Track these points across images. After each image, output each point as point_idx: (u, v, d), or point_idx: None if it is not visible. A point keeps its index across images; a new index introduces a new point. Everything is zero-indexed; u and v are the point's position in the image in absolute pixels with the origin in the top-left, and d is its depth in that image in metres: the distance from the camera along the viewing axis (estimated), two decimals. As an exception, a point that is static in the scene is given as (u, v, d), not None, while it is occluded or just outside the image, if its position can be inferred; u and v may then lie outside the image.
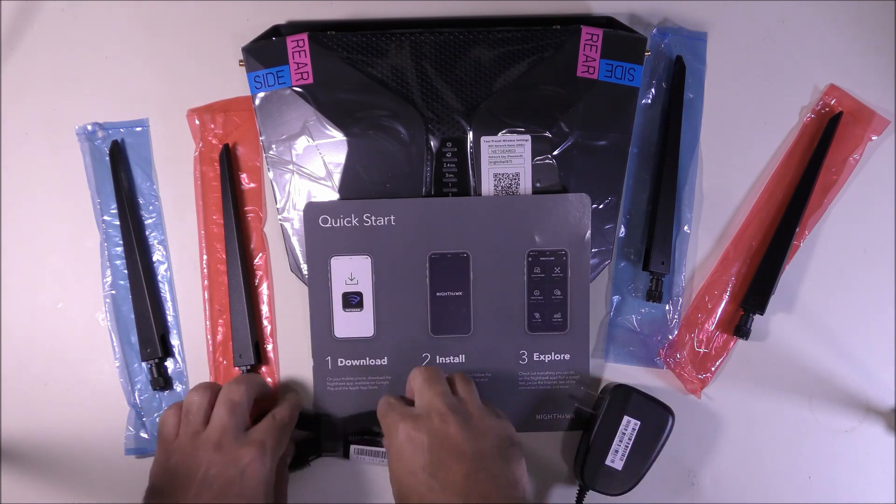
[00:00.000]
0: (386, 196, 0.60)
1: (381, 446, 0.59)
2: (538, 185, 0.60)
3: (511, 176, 0.60)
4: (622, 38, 0.59)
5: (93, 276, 0.63)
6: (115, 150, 0.62)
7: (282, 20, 0.62)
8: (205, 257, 0.63)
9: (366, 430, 0.60)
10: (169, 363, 0.63)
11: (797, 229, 0.62)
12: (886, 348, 0.64)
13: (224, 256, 0.62)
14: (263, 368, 0.63)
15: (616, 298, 0.63)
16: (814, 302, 0.64)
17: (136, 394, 0.63)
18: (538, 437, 0.62)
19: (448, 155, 0.60)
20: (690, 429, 0.63)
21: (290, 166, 0.60)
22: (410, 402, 0.53)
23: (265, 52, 0.59)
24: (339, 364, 0.60)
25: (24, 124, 0.63)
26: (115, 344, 0.63)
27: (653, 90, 0.63)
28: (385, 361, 0.60)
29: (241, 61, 0.59)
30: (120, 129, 0.63)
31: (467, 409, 0.51)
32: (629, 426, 0.58)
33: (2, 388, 0.63)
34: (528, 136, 0.60)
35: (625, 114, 0.60)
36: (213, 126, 0.63)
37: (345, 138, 0.59)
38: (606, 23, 0.61)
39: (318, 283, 0.60)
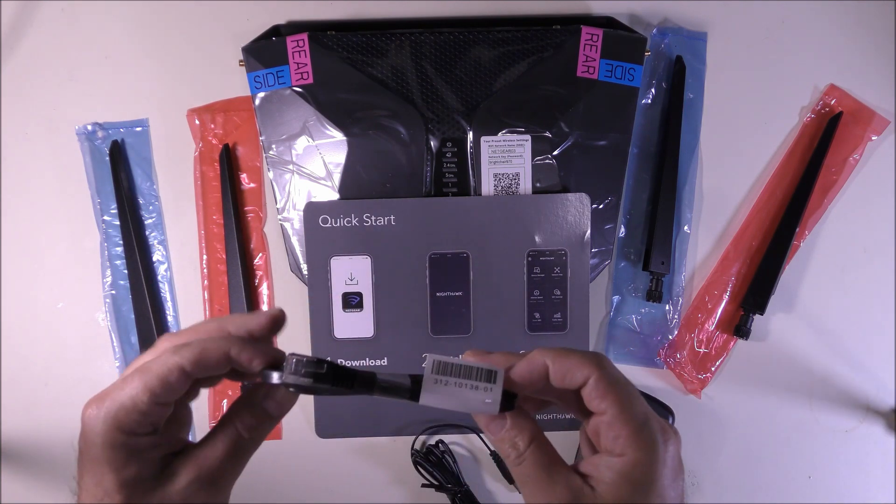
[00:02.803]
0: (386, 196, 0.60)
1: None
2: (538, 185, 0.60)
3: (511, 176, 0.60)
4: (622, 38, 0.59)
5: (93, 276, 0.63)
6: (115, 150, 0.62)
7: (282, 20, 0.62)
8: (205, 257, 0.63)
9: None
10: (169, 363, 0.63)
11: (797, 229, 0.62)
12: (886, 348, 0.64)
13: (224, 256, 0.62)
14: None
15: (616, 298, 0.63)
16: (814, 302, 0.64)
17: (136, 394, 0.62)
18: (538, 437, 0.62)
19: (448, 155, 0.60)
20: (690, 429, 0.63)
21: (290, 166, 0.60)
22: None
23: (265, 52, 0.59)
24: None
25: (24, 124, 0.63)
26: (115, 344, 0.63)
27: (653, 90, 0.63)
28: (385, 362, 0.60)
29: (241, 61, 0.59)
30: (120, 129, 0.63)
31: None
32: (629, 426, 0.58)
33: (2, 388, 0.63)
34: (528, 136, 0.60)
35: (625, 114, 0.60)
36: (213, 126, 0.63)
37: (345, 138, 0.59)
38: (606, 23, 0.61)
39: (318, 284, 0.60)
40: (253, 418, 0.33)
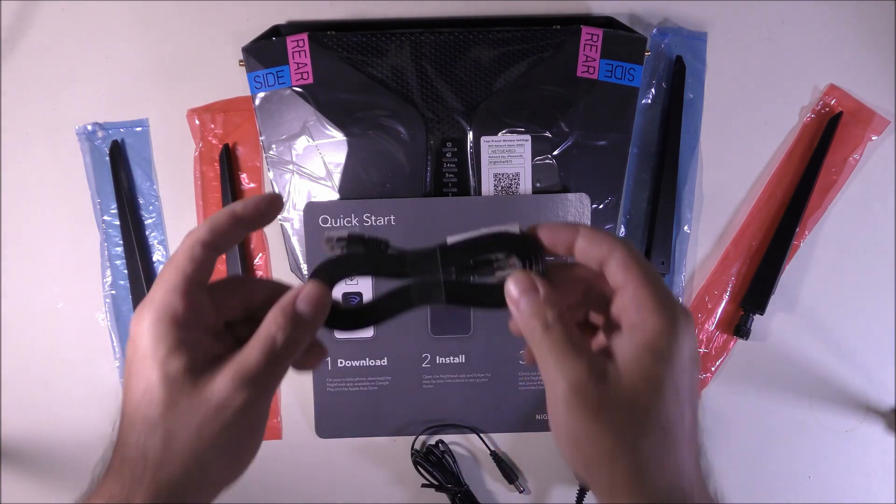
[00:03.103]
0: (386, 196, 0.60)
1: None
2: (538, 185, 0.60)
3: (511, 176, 0.60)
4: (622, 38, 0.59)
5: (93, 276, 0.63)
6: (115, 150, 0.62)
7: (282, 20, 0.62)
8: (205, 257, 0.63)
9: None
10: (169, 363, 0.63)
11: (797, 229, 0.62)
12: (886, 348, 0.64)
13: (224, 256, 0.62)
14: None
15: (616, 298, 0.63)
16: (814, 302, 0.64)
17: (136, 394, 0.62)
18: (538, 437, 0.62)
19: (448, 155, 0.60)
20: (690, 429, 0.63)
21: (290, 166, 0.60)
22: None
23: (265, 52, 0.59)
24: (339, 365, 0.60)
25: (24, 124, 0.63)
26: (115, 344, 0.63)
27: (653, 90, 0.63)
28: (385, 362, 0.60)
29: (241, 61, 0.59)
30: (120, 129, 0.63)
31: None
32: (629, 426, 0.58)
33: (2, 388, 0.63)
34: (528, 136, 0.60)
35: (625, 114, 0.60)
36: (213, 126, 0.63)
37: (345, 138, 0.59)
38: (606, 23, 0.61)
39: (318, 283, 0.60)
40: (285, 319, 0.33)
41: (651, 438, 0.31)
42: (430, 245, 0.34)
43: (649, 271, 0.32)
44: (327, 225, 0.59)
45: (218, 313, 0.34)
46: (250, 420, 0.33)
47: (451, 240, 0.34)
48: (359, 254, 0.34)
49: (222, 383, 0.32)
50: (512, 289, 0.33)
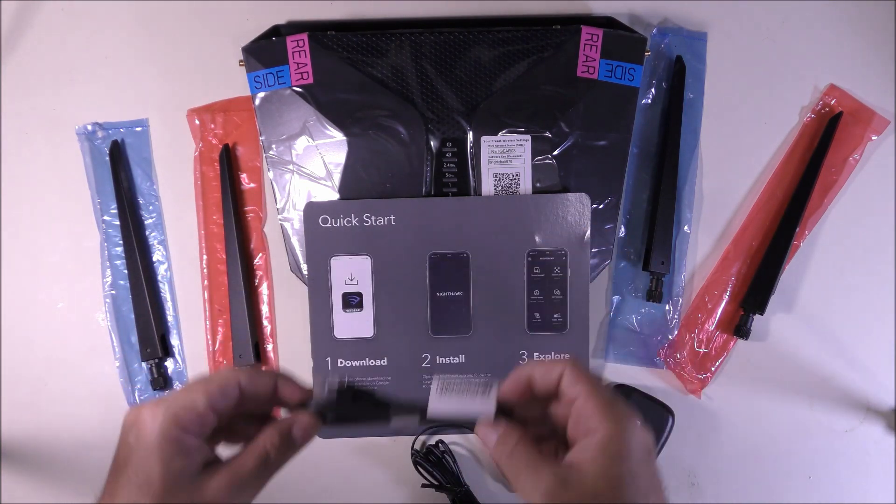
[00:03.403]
0: (386, 196, 0.60)
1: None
2: (538, 185, 0.60)
3: (511, 176, 0.60)
4: (622, 38, 0.59)
5: (93, 276, 0.63)
6: (115, 150, 0.62)
7: (282, 20, 0.62)
8: (205, 257, 0.63)
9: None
10: (169, 363, 0.63)
11: (797, 229, 0.62)
12: (886, 348, 0.64)
13: (224, 256, 0.62)
14: (263, 368, 0.63)
15: (616, 298, 0.63)
16: (814, 302, 0.64)
17: (136, 394, 0.63)
18: (538, 437, 0.62)
19: (448, 155, 0.60)
20: (690, 429, 0.63)
21: (290, 166, 0.60)
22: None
23: (265, 52, 0.59)
24: (339, 365, 0.60)
25: (24, 124, 0.63)
26: (115, 344, 0.63)
27: (653, 90, 0.63)
28: (385, 362, 0.60)
29: (241, 61, 0.59)
30: (120, 129, 0.63)
31: None
32: (629, 426, 0.58)
33: (2, 388, 0.63)
34: (528, 136, 0.60)
35: (625, 114, 0.60)
36: (213, 126, 0.63)
37: (345, 138, 0.59)
38: (606, 23, 0.61)
39: (318, 284, 0.60)
40: (280, 441, 0.38)
41: None
42: (414, 400, 0.40)
43: (595, 382, 0.37)
44: (327, 225, 0.59)
45: (215, 426, 0.38)
46: None
47: (431, 410, 0.40)
48: (349, 404, 0.41)
49: (218, 485, 0.36)
50: (479, 432, 0.39)
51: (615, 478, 0.34)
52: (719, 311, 0.64)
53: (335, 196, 0.60)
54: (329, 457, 0.63)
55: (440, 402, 0.40)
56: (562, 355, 0.60)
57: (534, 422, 0.40)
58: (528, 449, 0.37)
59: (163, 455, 0.35)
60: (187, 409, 0.36)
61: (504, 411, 0.40)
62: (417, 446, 0.62)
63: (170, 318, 0.63)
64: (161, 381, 0.61)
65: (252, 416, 0.41)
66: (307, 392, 0.41)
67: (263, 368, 0.43)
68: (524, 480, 0.36)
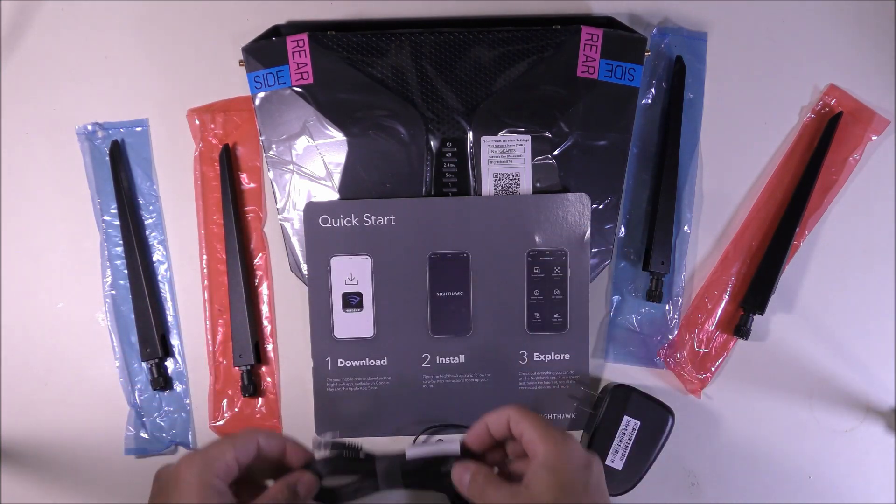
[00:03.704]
0: (386, 196, 0.60)
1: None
2: (538, 185, 0.60)
3: (511, 176, 0.60)
4: (622, 38, 0.59)
5: (93, 276, 0.63)
6: (115, 150, 0.62)
7: (282, 20, 0.62)
8: (205, 257, 0.63)
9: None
10: (169, 363, 0.63)
11: (797, 229, 0.62)
12: (886, 348, 0.64)
13: (224, 256, 0.62)
14: (263, 368, 0.63)
15: (616, 298, 0.63)
16: (814, 302, 0.64)
17: (136, 394, 0.63)
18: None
19: (448, 155, 0.60)
20: (690, 429, 0.63)
21: (290, 166, 0.60)
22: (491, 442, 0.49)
23: (265, 52, 0.59)
24: (339, 365, 0.60)
25: (24, 124, 0.63)
26: (115, 344, 0.63)
27: (653, 90, 0.63)
28: (385, 362, 0.60)
29: (241, 61, 0.59)
30: (120, 129, 0.63)
31: None
32: (629, 426, 0.58)
33: (2, 388, 0.63)
34: (528, 136, 0.60)
35: (625, 114, 0.60)
36: (213, 126, 0.63)
37: (345, 138, 0.59)
38: (606, 23, 0.61)
39: (318, 283, 0.60)
40: (288, 492, 0.46)
41: None
42: (392, 453, 0.48)
43: (536, 418, 0.46)
44: (327, 225, 0.59)
45: (236, 477, 0.45)
46: None
47: (409, 453, 0.48)
48: (340, 458, 0.48)
49: None
50: (454, 476, 0.47)
51: (554, 487, 0.42)
52: (719, 311, 0.64)
53: (335, 196, 0.60)
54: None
55: (416, 449, 0.48)
56: (561, 355, 0.60)
57: (500, 464, 0.49)
58: (494, 481, 0.45)
59: (204, 497, 0.42)
60: (218, 460, 0.44)
61: (474, 457, 0.48)
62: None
63: (170, 318, 0.63)
64: (161, 381, 0.61)
65: (262, 471, 0.49)
66: (310, 455, 0.48)
67: (277, 433, 0.55)
68: (487, 498, 0.45)
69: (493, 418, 0.48)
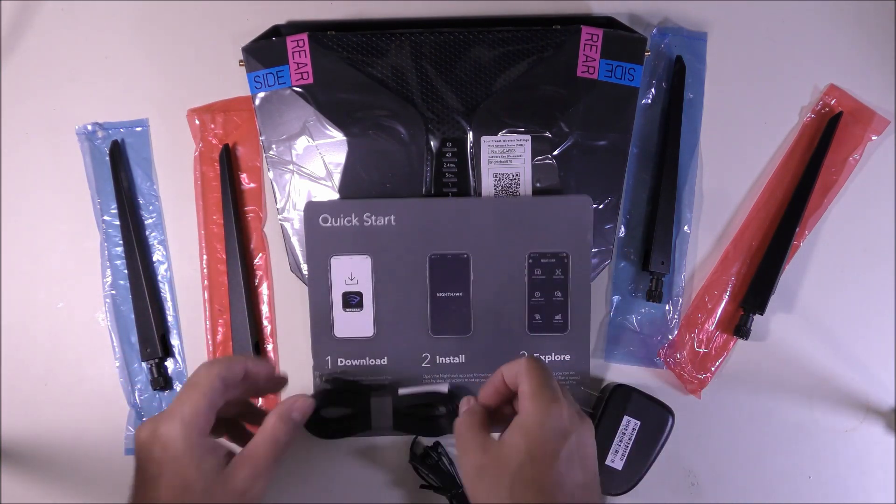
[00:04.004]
0: (386, 196, 0.60)
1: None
2: (538, 185, 0.60)
3: (511, 176, 0.60)
4: (622, 38, 0.59)
5: (93, 276, 0.63)
6: (115, 150, 0.62)
7: (282, 20, 0.62)
8: (205, 257, 0.63)
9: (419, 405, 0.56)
10: (169, 363, 0.63)
11: (797, 229, 0.62)
12: (886, 348, 0.64)
13: (224, 256, 0.62)
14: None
15: (616, 298, 0.63)
16: (814, 302, 0.64)
17: (136, 394, 0.63)
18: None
19: (448, 155, 0.60)
20: (690, 429, 0.63)
21: (290, 166, 0.60)
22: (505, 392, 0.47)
23: (265, 52, 0.59)
24: (339, 364, 0.60)
25: (24, 124, 0.63)
26: (115, 344, 0.63)
27: (653, 90, 0.63)
28: (385, 361, 0.60)
29: (241, 61, 0.59)
30: (120, 129, 0.63)
31: None
32: (629, 426, 0.58)
33: (2, 388, 0.63)
34: (528, 136, 0.60)
35: (625, 114, 0.60)
36: (213, 126, 0.63)
37: (345, 138, 0.59)
38: (606, 23, 0.61)
39: (318, 283, 0.60)
40: (283, 423, 0.44)
41: (522, 495, 0.39)
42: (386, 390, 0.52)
43: (536, 374, 0.42)
44: (327, 224, 0.59)
45: (213, 423, 0.43)
46: (261, 499, 0.43)
47: (401, 391, 0.51)
48: (340, 390, 0.51)
49: (243, 475, 0.42)
50: (461, 404, 0.47)
51: (522, 451, 0.40)
52: (719, 311, 0.64)
53: (335, 196, 0.60)
54: (328, 457, 0.63)
55: (408, 388, 0.50)
56: (562, 356, 0.60)
57: (512, 417, 0.44)
58: (477, 426, 0.43)
59: (193, 458, 0.40)
60: (195, 413, 0.41)
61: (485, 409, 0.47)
62: (417, 449, 0.62)
63: (170, 318, 0.63)
64: (161, 381, 0.61)
65: (240, 416, 0.48)
66: (277, 372, 0.48)
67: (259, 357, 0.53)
68: (463, 457, 0.43)
69: (508, 370, 0.45)
